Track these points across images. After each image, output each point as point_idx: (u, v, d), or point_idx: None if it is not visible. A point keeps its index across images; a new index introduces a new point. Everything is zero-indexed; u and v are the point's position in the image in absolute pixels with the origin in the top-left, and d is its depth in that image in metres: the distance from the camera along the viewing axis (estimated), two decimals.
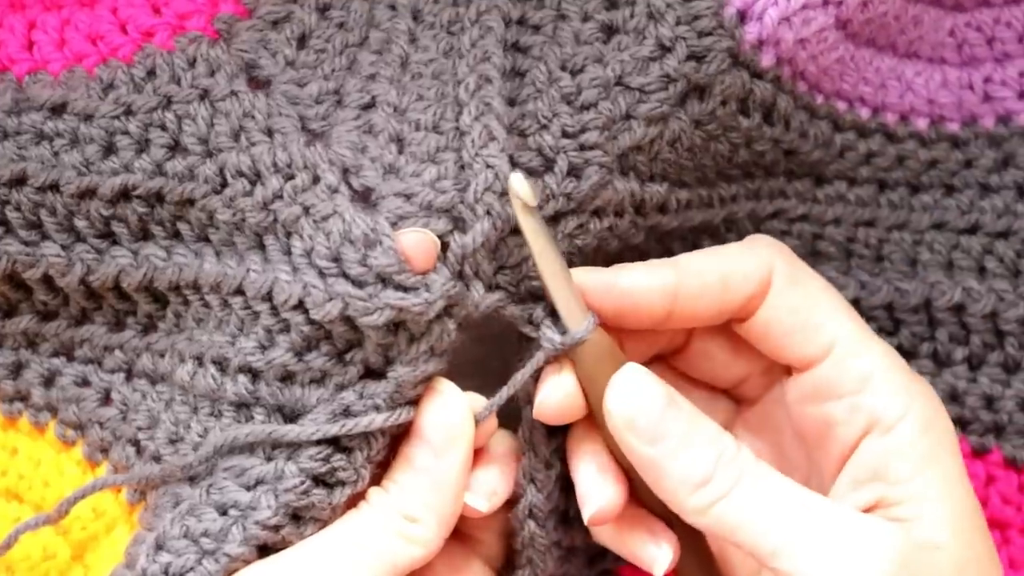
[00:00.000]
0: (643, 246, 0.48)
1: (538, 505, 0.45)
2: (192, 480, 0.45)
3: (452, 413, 0.43)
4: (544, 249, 0.42)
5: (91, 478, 0.47)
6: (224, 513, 0.43)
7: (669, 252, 0.48)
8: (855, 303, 0.50)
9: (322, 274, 0.42)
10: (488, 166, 0.43)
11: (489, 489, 0.45)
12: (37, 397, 0.48)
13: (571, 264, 0.44)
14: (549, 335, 0.43)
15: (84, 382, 0.48)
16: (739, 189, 0.49)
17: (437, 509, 0.43)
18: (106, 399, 0.48)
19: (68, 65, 0.47)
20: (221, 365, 0.45)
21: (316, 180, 0.43)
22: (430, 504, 0.43)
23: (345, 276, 0.42)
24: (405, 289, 0.42)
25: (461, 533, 0.46)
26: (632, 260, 0.47)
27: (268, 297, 0.43)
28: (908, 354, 0.51)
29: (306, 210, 0.43)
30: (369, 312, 0.41)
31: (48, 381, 0.49)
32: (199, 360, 0.45)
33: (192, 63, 0.46)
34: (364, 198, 0.44)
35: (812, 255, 0.51)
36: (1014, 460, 0.51)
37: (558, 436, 0.46)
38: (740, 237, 0.50)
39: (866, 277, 0.51)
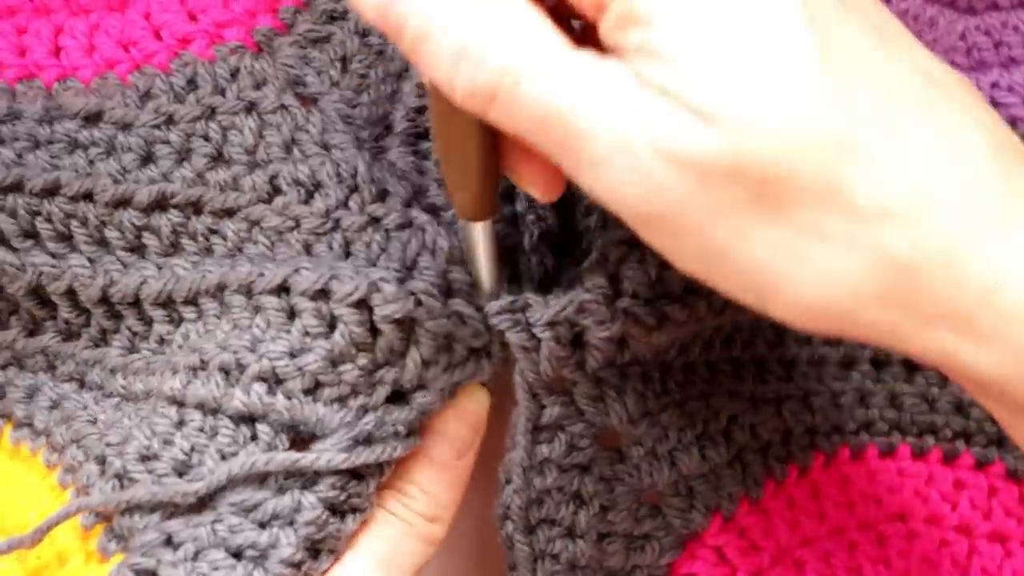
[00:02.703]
0: None
1: (513, 509, 0.44)
2: (187, 513, 0.42)
3: (480, 411, 0.43)
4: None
5: (62, 501, 0.44)
6: (239, 556, 0.41)
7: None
8: None
9: (394, 273, 0.41)
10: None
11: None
12: (39, 422, 0.46)
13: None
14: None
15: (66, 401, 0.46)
16: None
17: (452, 506, 0.43)
18: (71, 414, 0.46)
19: (99, 72, 0.46)
20: (229, 372, 0.42)
21: (385, 193, 0.43)
22: (448, 502, 0.42)
23: (419, 279, 0.41)
24: (475, 308, 0.42)
25: None
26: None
27: (319, 295, 0.41)
28: (916, 368, 0.51)
29: (375, 220, 0.42)
30: (437, 316, 0.41)
31: (55, 405, 0.46)
32: (195, 370, 0.43)
33: (234, 74, 0.45)
34: (434, 215, 0.43)
35: None
36: (1015, 472, 0.51)
37: (554, 444, 0.44)
38: None
39: None
